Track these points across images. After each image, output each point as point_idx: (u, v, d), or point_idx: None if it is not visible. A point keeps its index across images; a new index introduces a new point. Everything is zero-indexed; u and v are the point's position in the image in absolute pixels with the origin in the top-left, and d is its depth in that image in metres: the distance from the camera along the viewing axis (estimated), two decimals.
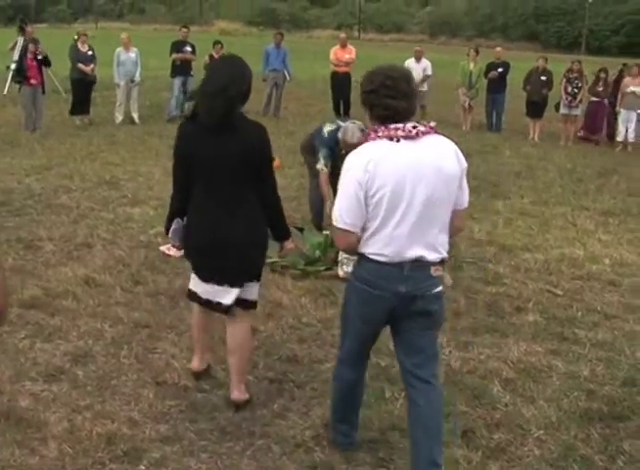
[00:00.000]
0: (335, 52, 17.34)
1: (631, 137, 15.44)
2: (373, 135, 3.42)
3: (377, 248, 3.42)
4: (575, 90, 15.79)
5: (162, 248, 7.02)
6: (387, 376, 4.76)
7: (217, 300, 4.20)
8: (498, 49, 17.74)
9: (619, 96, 15.65)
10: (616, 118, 15.93)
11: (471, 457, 3.88)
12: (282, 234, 4.39)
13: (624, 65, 16.77)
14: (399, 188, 3.32)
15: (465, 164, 3.50)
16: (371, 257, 3.44)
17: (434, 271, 3.46)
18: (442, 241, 3.49)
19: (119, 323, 5.35)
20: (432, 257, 3.43)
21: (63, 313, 5.46)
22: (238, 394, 4.33)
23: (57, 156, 11.33)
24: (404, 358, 3.66)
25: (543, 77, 16.05)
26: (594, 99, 16.15)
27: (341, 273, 6.49)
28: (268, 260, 6.61)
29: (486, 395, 4.58)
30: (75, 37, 15.42)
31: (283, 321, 5.59)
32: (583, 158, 14.00)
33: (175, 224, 4.25)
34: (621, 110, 15.48)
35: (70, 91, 15.44)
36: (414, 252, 3.39)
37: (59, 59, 15.46)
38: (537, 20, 73.52)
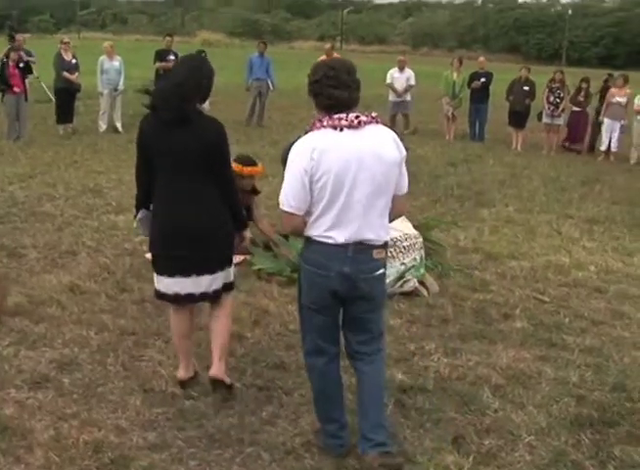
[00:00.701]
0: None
1: (614, 147, 15.51)
2: (318, 124, 3.63)
3: (322, 230, 3.63)
4: (558, 100, 15.89)
5: (148, 255, 6.93)
6: None
7: (190, 291, 4.33)
8: (481, 59, 17.84)
9: (604, 106, 15.73)
10: (599, 128, 16.02)
11: (462, 463, 3.84)
12: (239, 225, 4.53)
13: (609, 75, 16.86)
14: (342, 174, 3.54)
15: (404, 152, 3.71)
16: (317, 239, 3.65)
17: (377, 254, 3.69)
18: (384, 225, 3.72)
19: (105, 330, 5.29)
20: (374, 239, 3.66)
21: (47, 321, 5.39)
22: (217, 370, 4.40)
23: (40, 164, 11.25)
24: (351, 337, 3.89)
25: (526, 87, 16.14)
26: (576, 109, 16.26)
27: None
28: (254, 268, 6.62)
29: (476, 401, 4.55)
30: (59, 46, 15.35)
31: (270, 328, 5.56)
32: (567, 167, 14.07)
33: (141, 214, 4.42)
34: (605, 119, 15.55)
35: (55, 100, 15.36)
36: (357, 234, 3.61)
37: (43, 69, 15.38)
38: (518, 31, 74.20)
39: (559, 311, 6.19)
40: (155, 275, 4.44)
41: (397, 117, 17.58)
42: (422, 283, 6.45)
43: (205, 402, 4.40)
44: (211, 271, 4.31)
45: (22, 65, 13.64)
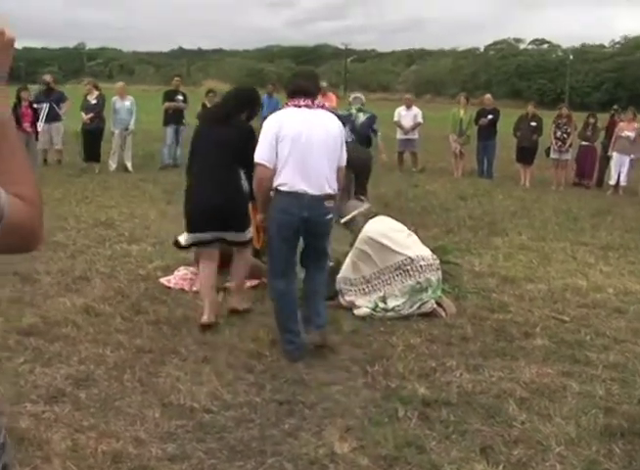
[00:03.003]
0: None
1: (623, 181, 15.45)
2: (286, 106, 5.24)
3: (282, 179, 4.98)
4: (565, 135, 15.89)
5: (162, 280, 6.92)
6: (398, 396, 4.65)
7: (220, 236, 5.82)
8: (487, 96, 17.88)
9: (612, 140, 15.74)
10: (607, 163, 16.01)
11: None
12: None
13: (615, 109, 16.90)
14: (297, 137, 4.97)
15: (343, 130, 5.37)
16: (280, 188, 4.99)
17: (327, 203, 5.06)
18: (331, 181, 5.09)
19: (121, 349, 5.21)
20: (325, 192, 5.03)
21: (62, 340, 5.32)
22: (236, 302, 6.07)
23: (51, 200, 11.21)
24: (307, 257, 5.35)
25: (533, 123, 16.16)
26: (584, 143, 16.28)
27: (343, 302, 6.41)
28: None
29: (502, 413, 4.45)
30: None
31: None
32: (577, 200, 14.04)
33: None
34: (614, 154, 15.52)
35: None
36: (311, 188, 4.97)
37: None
38: (520, 77, 75.07)
39: (579, 330, 6.09)
40: (186, 235, 6.06)
41: (405, 155, 17.65)
42: (439, 304, 6.37)
43: (225, 416, 4.30)
44: (235, 230, 5.83)
45: (35, 105, 13.78)
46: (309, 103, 5.10)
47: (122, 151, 15.52)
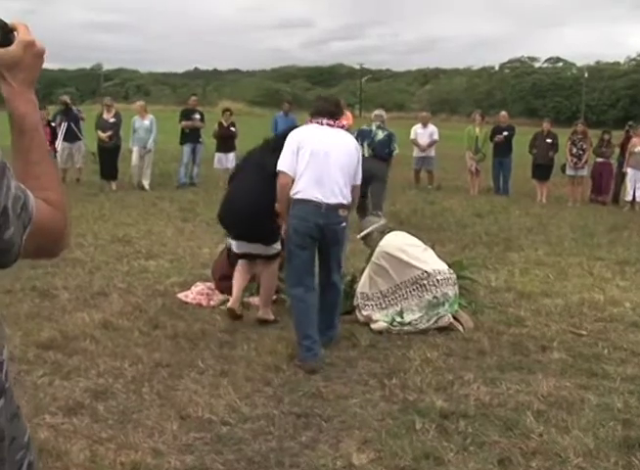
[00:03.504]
0: None
1: (639, 197, 15.39)
2: (309, 122, 5.69)
3: (299, 187, 5.38)
4: (581, 151, 15.87)
5: (180, 295, 6.96)
6: (415, 409, 4.64)
7: (251, 252, 6.31)
8: (503, 113, 17.91)
9: (627, 156, 15.71)
10: (622, 179, 15.97)
11: None
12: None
13: (630, 125, 16.84)
14: (316, 149, 5.40)
15: (360, 151, 5.77)
16: (297, 196, 5.38)
17: (341, 212, 5.43)
18: (345, 193, 5.46)
19: (139, 363, 5.24)
20: (339, 201, 5.40)
21: (81, 354, 5.36)
22: (263, 313, 6.28)
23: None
24: (322, 269, 5.68)
25: (549, 140, 16.17)
26: (599, 159, 16.24)
27: (360, 317, 6.42)
28: (287, 305, 6.58)
29: (519, 425, 4.43)
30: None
31: None
32: (593, 216, 14.00)
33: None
34: (629, 169, 15.49)
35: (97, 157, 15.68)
36: (325, 197, 5.34)
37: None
38: (536, 96, 74.99)
39: (597, 344, 6.07)
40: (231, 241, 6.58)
41: (421, 173, 17.70)
42: (456, 319, 6.37)
43: (243, 428, 4.32)
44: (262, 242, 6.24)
45: (53, 124, 13.94)
46: (331, 122, 5.57)
47: (141, 169, 15.66)
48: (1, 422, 1.43)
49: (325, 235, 5.44)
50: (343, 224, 5.52)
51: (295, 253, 5.45)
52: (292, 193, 5.41)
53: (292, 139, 5.52)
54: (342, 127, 5.69)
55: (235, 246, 6.46)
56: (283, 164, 5.45)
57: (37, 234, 1.43)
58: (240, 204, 6.11)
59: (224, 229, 6.66)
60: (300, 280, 5.46)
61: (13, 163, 1.44)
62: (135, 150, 15.54)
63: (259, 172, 6.03)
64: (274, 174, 5.65)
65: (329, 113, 5.61)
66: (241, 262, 6.50)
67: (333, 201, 5.38)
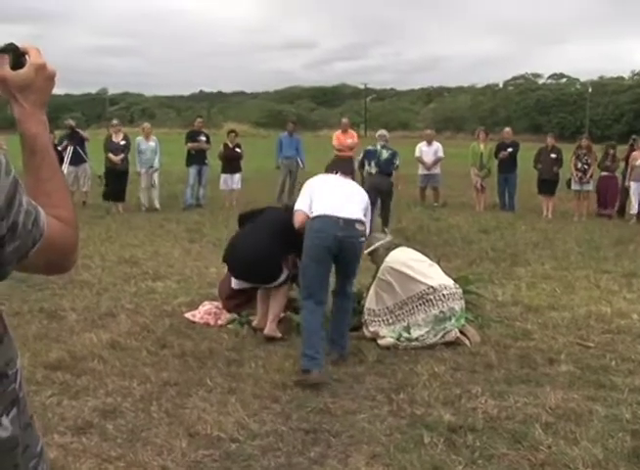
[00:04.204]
0: (337, 137, 17.19)
1: None
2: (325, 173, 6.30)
3: (317, 208, 5.71)
4: (585, 166, 15.86)
5: (187, 314, 6.99)
6: (423, 423, 4.65)
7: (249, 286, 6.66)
8: (507, 129, 17.93)
9: (629, 170, 15.72)
10: (628, 193, 15.96)
11: None
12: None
13: (634, 139, 16.83)
14: (330, 187, 5.97)
15: (367, 201, 6.04)
16: (315, 214, 5.68)
17: (359, 226, 5.70)
18: (362, 213, 5.80)
19: (147, 382, 5.26)
20: (357, 217, 5.71)
21: (89, 373, 5.38)
22: (268, 330, 6.34)
23: None
24: (340, 276, 5.90)
25: (553, 155, 16.18)
26: (605, 173, 16.25)
27: (367, 333, 6.43)
28: (294, 323, 6.60)
29: (528, 437, 4.43)
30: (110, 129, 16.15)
31: None
32: (599, 230, 13.96)
33: None
34: (632, 183, 15.50)
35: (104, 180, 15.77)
36: (344, 213, 5.63)
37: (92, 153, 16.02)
38: (540, 112, 74.99)
39: (604, 355, 6.07)
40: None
41: (427, 190, 17.73)
42: (463, 333, 6.38)
43: (252, 445, 4.33)
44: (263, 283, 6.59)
45: (59, 148, 14.04)
46: (343, 173, 6.24)
47: (150, 190, 15.83)
48: (15, 430, 1.46)
49: (342, 248, 5.62)
50: (362, 239, 5.81)
51: (309, 266, 5.63)
52: (310, 216, 5.77)
53: (307, 185, 6.06)
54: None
55: (234, 283, 6.78)
56: (299, 205, 5.90)
57: (48, 249, 1.47)
58: (245, 252, 6.46)
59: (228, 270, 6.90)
60: (312, 294, 5.59)
61: (25, 181, 1.48)
62: (143, 172, 15.68)
63: (269, 227, 6.51)
64: (282, 231, 6.25)
65: (341, 169, 6.30)
66: (260, 289, 6.69)
67: (350, 216, 5.66)
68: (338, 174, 6.19)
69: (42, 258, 1.46)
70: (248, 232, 6.73)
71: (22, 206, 1.39)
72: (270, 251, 6.37)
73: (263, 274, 6.46)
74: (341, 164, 6.43)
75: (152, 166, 15.71)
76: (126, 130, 16.82)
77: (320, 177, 6.18)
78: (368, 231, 6.10)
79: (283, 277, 6.48)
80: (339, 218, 5.60)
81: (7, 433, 1.45)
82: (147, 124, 16.56)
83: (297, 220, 5.83)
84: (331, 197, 5.81)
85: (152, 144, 15.81)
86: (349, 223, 5.62)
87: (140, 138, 15.83)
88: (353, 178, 6.34)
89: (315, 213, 5.70)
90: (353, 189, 6.09)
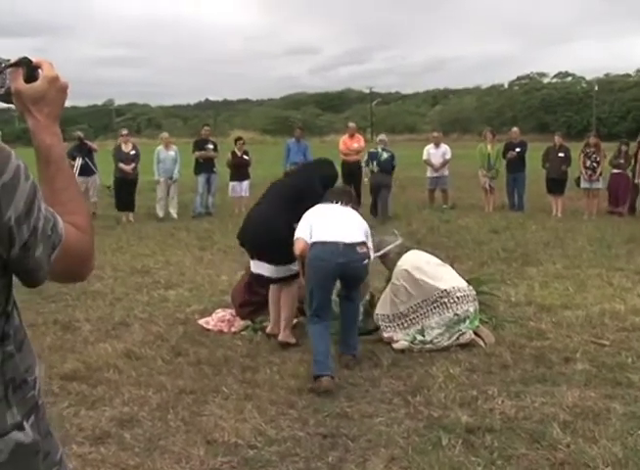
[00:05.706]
0: (344, 142, 17.16)
1: None
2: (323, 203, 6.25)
3: (316, 234, 5.75)
4: (594, 164, 15.80)
5: (201, 321, 7.00)
6: (440, 425, 4.64)
7: (265, 273, 6.57)
8: (514, 129, 17.87)
9: (638, 166, 15.67)
10: (637, 190, 15.90)
11: None
12: None
13: None
14: (329, 214, 6.01)
15: (367, 228, 6.05)
16: (314, 240, 5.72)
17: (360, 249, 5.70)
18: (360, 237, 5.78)
19: (163, 390, 5.27)
20: (357, 240, 5.72)
21: (105, 384, 5.40)
22: (283, 336, 6.39)
23: None
24: (344, 292, 6.04)
25: (561, 154, 16.12)
26: (616, 171, 16.18)
27: (383, 337, 6.43)
28: (307, 328, 6.61)
29: (546, 437, 4.42)
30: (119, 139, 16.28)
31: None
32: (610, 228, 13.90)
33: None
34: None
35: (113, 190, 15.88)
36: (344, 238, 5.66)
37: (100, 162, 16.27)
38: (546, 111, 74.82)
39: (620, 353, 6.04)
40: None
41: (436, 192, 17.72)
42: (477, 334, 6.36)
43: (270, 451, 4.33)
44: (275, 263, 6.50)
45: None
46: (342, 203, 6.22)
47: (167, 199, 15.94)
48: (35, 436, 1.47)
49: (346, 273, 5.72)
50: (365, 261, 5.77)
51: (314, 293, 5.71)
52: (310, 242, 5.80)
53: (309, 213, 6.05)
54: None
55: (252, 265, 6.74)
56: (299, 234, 5.89)
57: (66, 256, 1.48)
58: (257, 226, 6.52)
59: (243, 247, 6.91)
60: (319, 315, 5.71)
61: (41, 191, 1.49)
62: (162, 181, 15.81)
63: (278, 199, 6.59)
64: (290, 198, 6.46)
65: (341, 198, 6.25)
66: (270, 294, 6.70)
67: (350, 240, 5.69)
68: (337, 204, 6.19)
69: (60, 264, 1.48)
70: (256, 208, 6.84)
71: (42, 211, 1.41)
72: (278, 216, 6.40)
73: (275, 244, 6.34)
74: (340, 194, 6.37)
75: (171, 177, 15.87)
76: (134, 140, 16.87)
77: (320, 206, 6.17)
78: (372, 254, 6.08)
79: (294, 266, 6.33)
80: (338, 243, 5.64)
81: (29, 439, 1.47)
82: (165, 134, 16.66)
83: (298, 248, 5.84)
84: (330, 223, 5.85)
85: (172, 153, 15.94)
86: (350, 247, 5.66)
87: (160, 147, 15.96)
88: (353, 207, 6.31)
89: (314, 239, 5.75)
90: (351, 215, 6.09)
